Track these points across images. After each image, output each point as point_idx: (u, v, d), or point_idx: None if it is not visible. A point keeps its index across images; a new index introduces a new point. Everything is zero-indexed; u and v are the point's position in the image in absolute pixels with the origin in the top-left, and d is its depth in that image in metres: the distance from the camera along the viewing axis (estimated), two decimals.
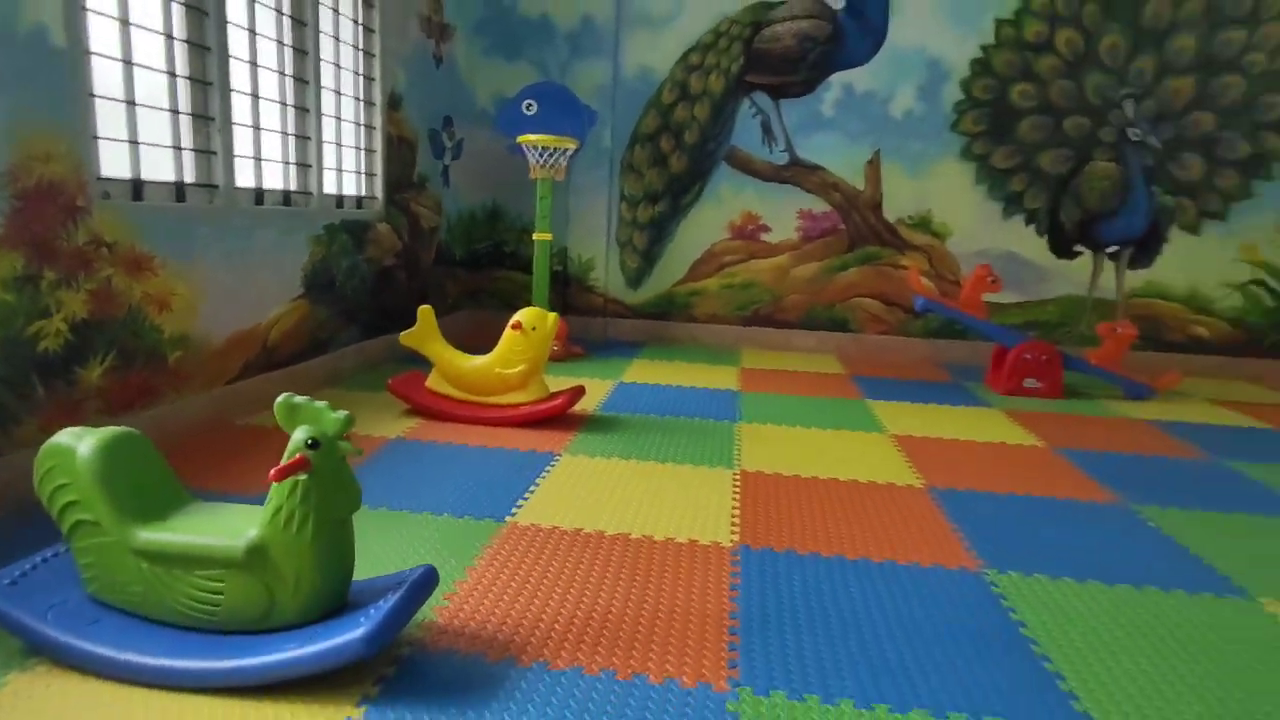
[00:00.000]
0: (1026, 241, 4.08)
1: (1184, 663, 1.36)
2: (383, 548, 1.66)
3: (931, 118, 4.06)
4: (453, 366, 2.68)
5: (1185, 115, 3.84)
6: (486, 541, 1.72)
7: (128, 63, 2.05)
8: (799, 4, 4.06)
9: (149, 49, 2.17)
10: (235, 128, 2.47)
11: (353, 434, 1.63)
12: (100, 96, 1.96)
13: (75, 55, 1.86)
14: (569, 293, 4.49)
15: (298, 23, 2.80)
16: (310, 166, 2.91)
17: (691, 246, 4.38)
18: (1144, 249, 4.00)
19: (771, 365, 3.89)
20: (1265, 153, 3.81)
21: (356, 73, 3.24)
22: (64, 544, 1.36)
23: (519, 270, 4.48)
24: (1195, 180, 3.89)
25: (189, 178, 2.33)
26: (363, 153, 3.32)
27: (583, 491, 2.05)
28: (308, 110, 2.88)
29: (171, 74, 2.23)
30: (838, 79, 4.11)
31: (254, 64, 2.57)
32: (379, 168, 3.39)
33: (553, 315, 2.67)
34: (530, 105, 3.54)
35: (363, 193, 3.35)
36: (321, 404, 1.21)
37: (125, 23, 2.04)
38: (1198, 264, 3.95)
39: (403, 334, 2.70)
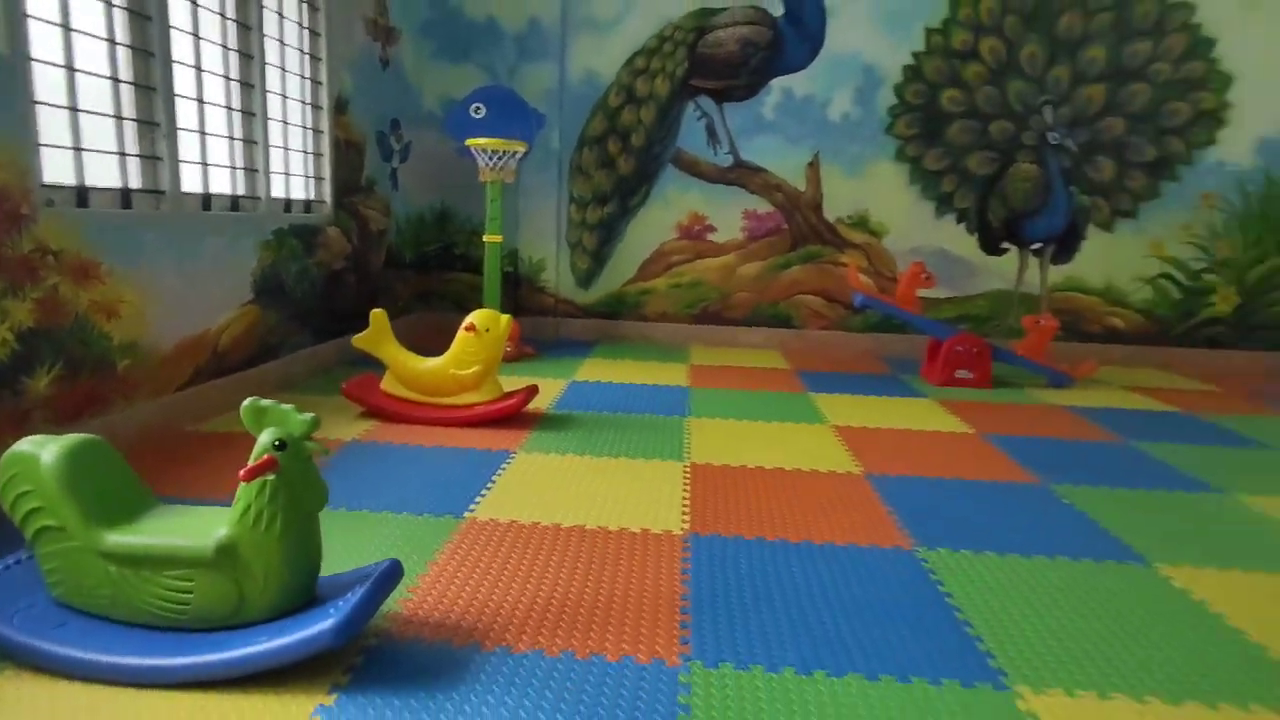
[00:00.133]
0: (957, 239, 4.30)
1: (1087, 621, 1.51)
2: (344, 547, 1.71)
3: (867, 121, 4.24)
4: (407, 368, 2.71)
5: (1098, 121, 4.10)
6: (446, 537, 1.78)
7: (70, 69, 2.04)
8: (740, 10, 4.19)
9: (92, 55, 2.15)
10: (181, 133, 2.46)
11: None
12: (43, 103, 1.95)
13: (17, 62, 1.84)
14: (520, 294, 4.54)
15: (242, 27, 2.80)
16: (257, 171, 2.90)
17: (640, 247, 4.47)
18: (1064, 246, 4.25)
19: (719, 361, 4.01)
20: (1169, 156, 4.10)
21: (302, 76, 3.23)
22: (27, 550, 1.37)
23: (469, 272, 4.51)
24: (1108, 181, 4.16)
25: (135, 184, 2.32)
26: (310, 156, 3.31)
27: (539, 487, 2.12)
28: (254, 114, 2.87)
29: (115, 80, 2.22)
30: (778, 83, 4.25)
31: (199, 69, 2.56)
32: (327, 171, 3.39)
33: (505, 317, 2.73)
34: (478, 109, 3.58)
35: (311, 196, 3.35)
36: (288, 406, 1.26)
37: (67, 28, 2.02)
38: (1112, 260, 4.22)
39: (356, 337, 2.72)
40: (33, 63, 1.90)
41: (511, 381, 3.02)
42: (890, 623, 1.48)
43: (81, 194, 2.11)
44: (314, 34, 3.29)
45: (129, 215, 2.26)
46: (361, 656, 1.30)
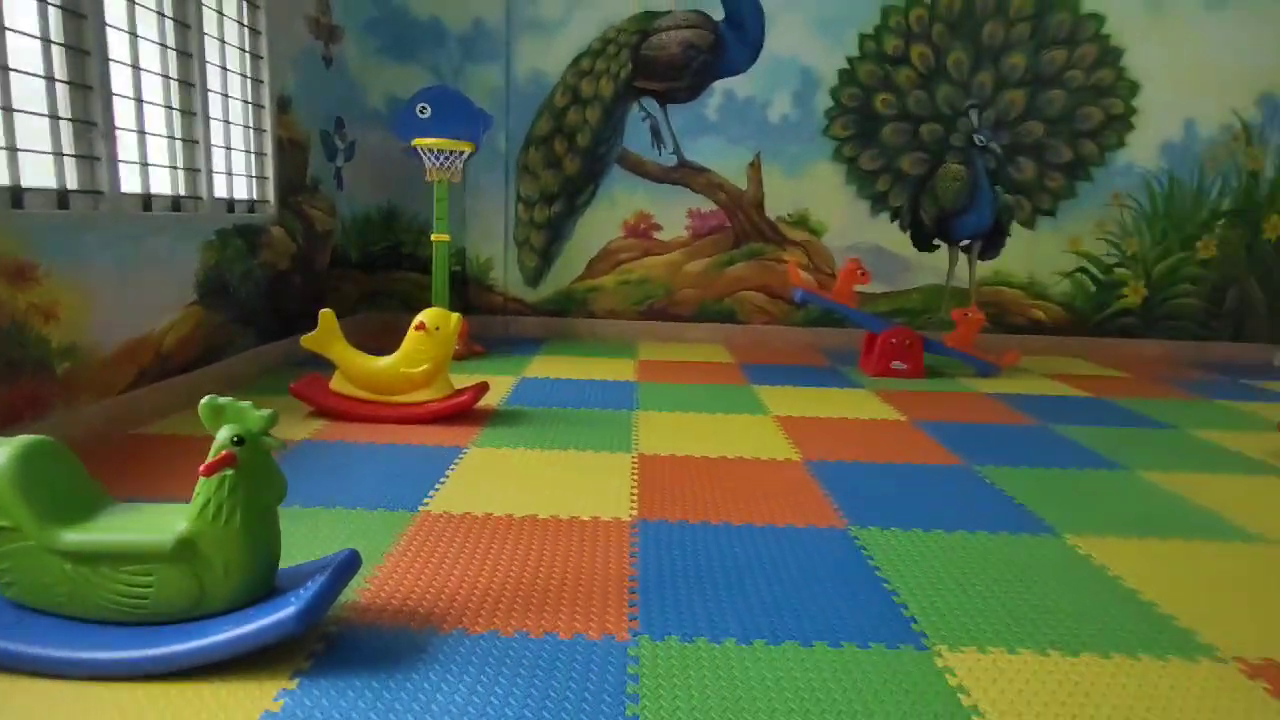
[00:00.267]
0: (892, 236, 4.49)
1: (1000, 587, 1.65)
2: (300, 543, 1.74)
3: (806, 123, 4.40)
4: (356, 368, 2.73)
5: (1020, 124, 4.34)
6: (401, 530, 1.83)
7: (3, 68, 2.01)
8: (682, 14, 4.30)
9: (26, 53, 2.12)
10: (119, 132, 2.43)
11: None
12: None
13: None
14: (468, 292, 4.56)
15: (180, 25, 2.77)
16: (199, 171, 2.88)
17: (588, 245, 4.55)
18: (991, 242, 4.49)
19: (666, 357, 4.12)
20: (1084, 157, 4.37)
21: (244, 75, 3.20)
22: None
23: (417, 271, 4.51)
24: (1029, 181, 4.41)
25: (72, 184, 2.29)
26: (253, 156, 3.29)
27: (492, 480, 2.18)
28: (194, 114, 2.84)
29: (50, 79, 2.19)
30: (720, 86, 4.37)
31: (136, 67, 2.53)
32: (270, 171, 3.37)
33: (455, 315, 2.77)
34: (424, 109, 3.59)
35: (255, 196, 3.32)
36: (245, 403, 1.30)
37: (1, 28, 1.99)
38: (1034, 255, 4.48)
39: (304, 337, 2.73)
40: None
41: (462, 379, 3.06)
42: (824, 595, 1.60)
43: (16, 195, 2.08)
44: (254, 32, 3.26)
45: (67, 216, 2.23)
46: (322, 643, 1.35)
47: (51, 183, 2.22)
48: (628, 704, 1.22)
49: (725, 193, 4.47)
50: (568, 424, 2.76)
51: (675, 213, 4.50)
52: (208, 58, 2.92)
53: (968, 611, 1.55)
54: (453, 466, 2.28)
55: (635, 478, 2.24)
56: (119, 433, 2.42)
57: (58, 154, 2.23)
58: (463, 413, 2.76)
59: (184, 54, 2.79)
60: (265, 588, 1.35)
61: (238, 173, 3.18)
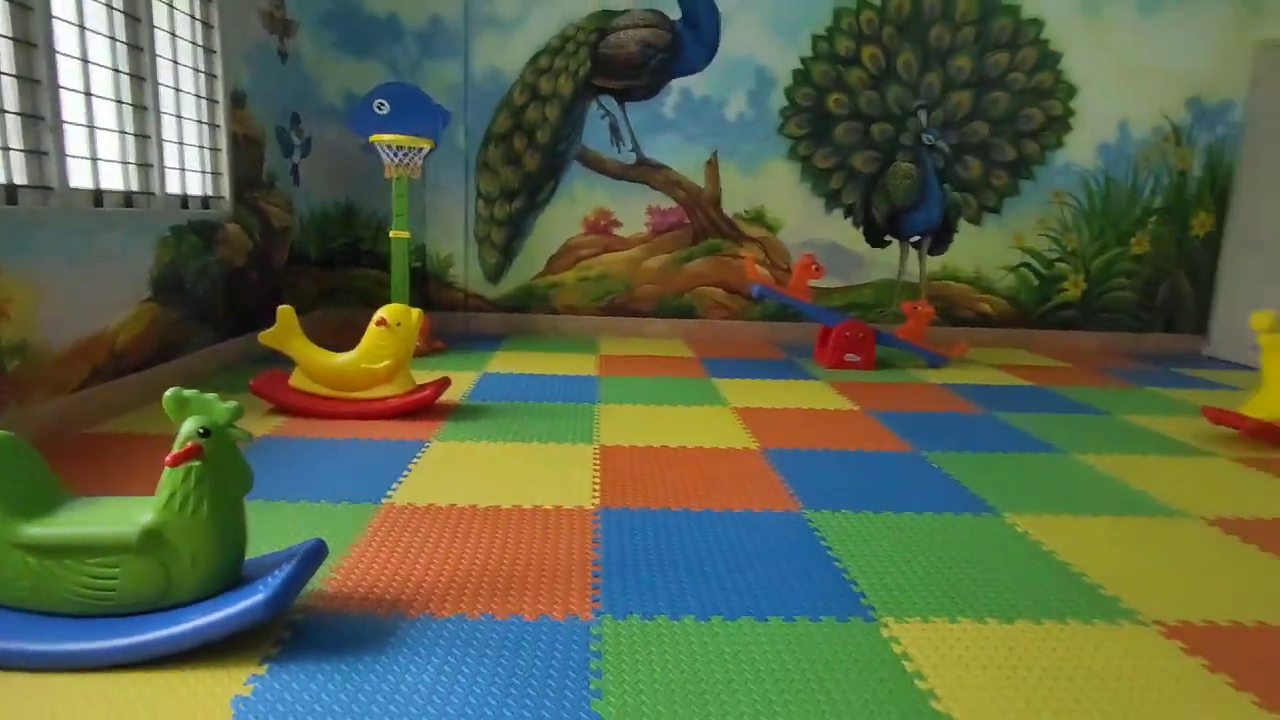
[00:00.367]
0: (845, 233, 4.62)
1: (943, 563, 1.75)
2: (264, 535, 1.75)
3: (761, 121, 4.49)
4: (317, 364, 2.73)
5: (966, 124, 4.50)
6: (366, 522, 1.85)
7: None
8: (640, 13, 4.35)
9: None
10: (68, 127, 2.39)
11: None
12: None
13: None
14: (429, 289, 4.55)
15: (130, 18, 2.73)
16: (151, 166, 2.84)
17: (548, 241, 4.58)
18: (939, 238, 4.64)
19: (627, 351, 4.17)
20: (1026, 157, 4.55)
21: (197, 69, 3.16)
22: None
23: (376, 268, 4.49)
24: (976, 179, 4.57)
25: (20, 179, 2.25)
26: (208, 151, 3.25)
27: (455, 472, 2.21)
28: (145, 108, 2.80)
29: None
30: (677, 84, 4.44)
31: (85, 61, 2.49)
32: (225, 167, 3.33)
33: (417, 311, 2.79)
34: (381, 105, 3.58)
35: (210, 192, 3.28)
36: (210, 395, 1.32)
37: None
38: (981, 251, 4.65)
39: (263, 334, 2.72)
40: None
41: (423, 375, 3.08)
42: (779, 573, 1.67)
43: None
44: (207, 26, 3.22)
45: (15, 212, 2.19)
46: (289, 631, 1.38)
47: None
48: (591, 679, 1.28)
49: (684, 190, 4.55)
50: (530, 417, 2.80)
51: (635, 209, 4.56)
52: (159, 51, 2.88)
53: (913, 585, 1.64)
54: (416, 460, 2.30)
55: (597, 468, 2.29)
56: (72, 431, 2.38)
57: (4, 149, 2.19)
58: (425, 408, 2.78)
59: (134, 48, 2.75)
60: (232, 577, 1.37)
61: (192, 169, 3.14)
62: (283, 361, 2.79)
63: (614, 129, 4.47)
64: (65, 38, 2.38)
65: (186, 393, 1.31)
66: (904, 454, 2.54)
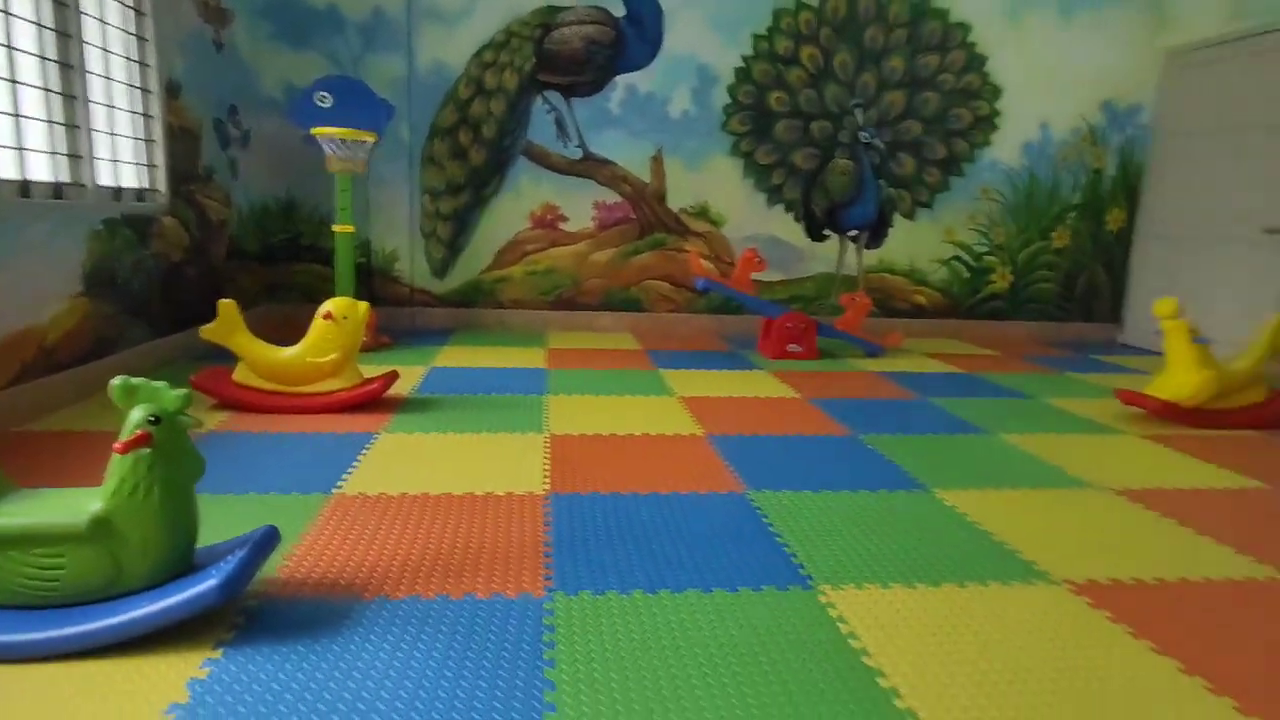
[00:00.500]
0: (787, 227, 4.75)
1: (877, 535, 1.85)
2: (212, 527, 1.75)
3: (704, 118, 4.58)
4: (261, 359, 2.70)
5: (900, 122, 4.68)
6: (317, 511, 1.86)
7: None
8: (584, 10, 4.39)
9: None
10: None
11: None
12: None
13: None
14: (373, 284, 4.51)
15: (58, 4, 2.64)
16: (82, 158, 2.76)
17: (495, 236, 4.58)
18: (876, 233, 4.82)
19: (575, 345, 4.22)
20: (956, 155, 4.76)
21: (128, 58, 3.08)
22: None
23: (319, 263, 4.43)
24: (909, 176, 4.76)
25: None
26: (141, 143, 3.16)
27: (406, 462, 2.23)
28: (75, 97, 2.72)
29: None
30: (622, 81, 4.50)
31: (9, 47, 2.41)
32: (160, 158, 3.25)
33: (364, 304, 2.78)
34: (324, 98, 3.54)
35: (144, 185, 3.19)
36: (160, 383, 1.32)
37: None
38: (915, 244, 4.84)
39: (204, 328, 2.67)
40: None
41: (369, 370, 3.07)
42: (722, 549, 1.75)
43: None
44: (139, 13, 3.14)
45: None
46: (242, 616, 1.39)
47: None
48: (545, 649, 1.33)
49: (629, 185, 4.61)
50: (479, 409, 2.83)
51: (581, 204, 4.60)
52: (88, 39, 2.79)
53: (848, 556, 1.74)
54: (365, 451, 2.31)
55: (547, 455, 2.34)
56: (2, 430, 2.31)
57: None
58: (372, 401, 2.78)
59: (62, 34, 2.66)
60: (184, 565, 1.37)
61: (125, 160, 3.06)
62: (225, 357, 2.75)
63: (559, 124, 4.51)
64: None
65: (134, 381, 1.31)
66: (842, 437, 2.66)
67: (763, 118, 4.61)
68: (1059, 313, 5.02)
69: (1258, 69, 4.09)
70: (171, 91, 3.34)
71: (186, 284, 3.46)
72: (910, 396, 3.31)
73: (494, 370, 3.49)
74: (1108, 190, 4.89)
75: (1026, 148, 4.78)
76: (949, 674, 1.30)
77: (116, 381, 1.30)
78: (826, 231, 4.79)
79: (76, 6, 2.72)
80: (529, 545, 1.73)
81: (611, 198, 4.61)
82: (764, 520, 1.92)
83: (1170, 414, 2.92)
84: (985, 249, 4.89)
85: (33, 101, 2.55)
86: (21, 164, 2.48)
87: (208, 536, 1.68)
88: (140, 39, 3.14)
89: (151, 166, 3.23)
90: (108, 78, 2.94)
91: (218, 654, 1.28)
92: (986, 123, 4.73)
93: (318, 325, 2.70)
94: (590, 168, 4.57)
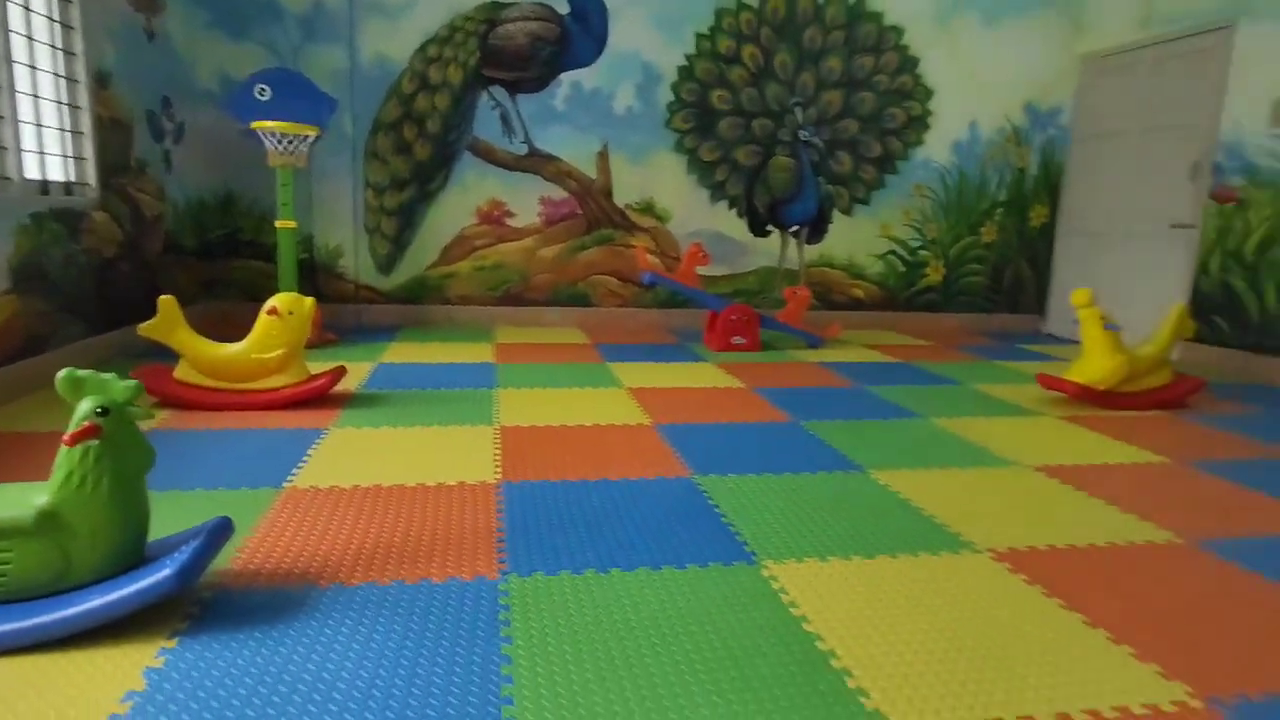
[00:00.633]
0: (730, 223, 4.87)
1: (815, 513, 1.96)
2: (160, 522, 1.73)
3: (649, 115, 4.66)
4: (203, 356, 2.66)
5: (838, 121, 4.84)
6: (268, 504, 1.86)
7: None
8: (529, 6, 4.41)
9: None
10: None
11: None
12: None
13: None
14: (317, 280, 4.44)
15: None
16: (6, 149, 2.66)
17: (442, 231, 4.57)
18: (816, 228, 4.97)
19: (524, 339, 4.24)
20: (891, 153, 4.95)
21: (54, 46, 2.98)
22: None
23: (259, 259, 4.34)
24: (846, 173, 4.93)
25: None
26: (69, 135, 3.06)
27: (357, 455, 2.24)
28: None
29: None
30: (567, 77, 4.53)
31: None
32: (89, 151, 3.15)
33: (309, 299, 2.76)
34: (263, 90, 3.48)
35: (72, 178, 3.09)
36: (108, 375, 1.32)
37: None
38: (853, 239, 5.01)
39: (143, 326, 2.62)
40: None
41: (316, 367, 3.05)
42: (670, 530, 1.83)
43: None
44: (64, 0, 3.03)
45: None
46: (197, 607, 1.40)
47: None
48: (501, 628, 1.38)
49: (575, 180, 4.65)
50: (429, 403, 2.84)
51: (528, 200, 4.62)
52: (12, 26, 2.70)
53: (789, 533, 1.83)
54: (315, 446, 2.31)
55: (498, 446, 2.38)
56: None
57: None
58: (319, 397, 2.76)
59: None
60: (135, 557, 1.37)
61: (52, 153, 2.96)
62: (164, 354, 2.70)
63: (505, 120, 4.52)
64: None
65: (81, 373, 1.31)
66: (784, 424, 2.77)
67: (706, 115, 4.70)
68: (987, 304, 5.27)
69: (1164, 74, 4.38)
70: (101, 82, 3.24)
71: (121, 280, 3.36)
72: (848, 385, 3.45)
73: (442, 366, 3.50)
74: (1031, 188, 5.15)
75: (956, 146, 5.00)
76: (882, 635, 1.40)
77: (63, 373, 1.30)
78: (769, 227, 4.92)
79: None
80: (482, 532, 1.77)
81: (558, 193, 4.64)
82: (710, 502, 2.01)
83: (1087, 396, 3.12)
84: (919, 244, 5.10)
85: None
86: None
87: (155, 533, 1.67)
88: (66, 26, 3.04)
89: (80, 159, 3.14)
90: (33, 66, 2.84)
91: (173, 643, 1.29)
92: (919, 122, 4.92)
93: (263, 321, 2.67)
94: (536, 163, 4.59)
